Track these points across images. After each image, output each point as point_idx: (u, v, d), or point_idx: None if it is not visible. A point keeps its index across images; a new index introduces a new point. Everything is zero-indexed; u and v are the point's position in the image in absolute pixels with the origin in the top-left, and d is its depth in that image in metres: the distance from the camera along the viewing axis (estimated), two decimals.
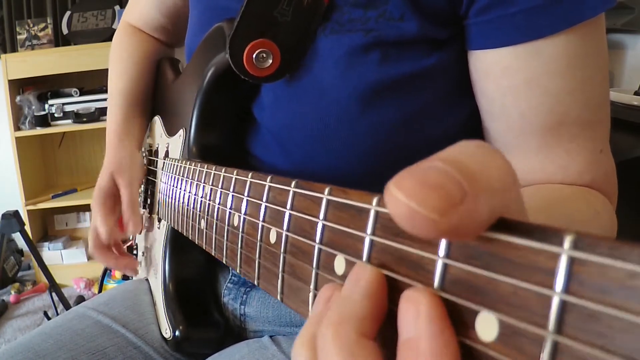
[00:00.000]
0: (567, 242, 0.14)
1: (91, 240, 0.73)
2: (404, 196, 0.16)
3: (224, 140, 0.60)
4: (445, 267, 0.18)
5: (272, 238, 0.32)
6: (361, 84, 0.47)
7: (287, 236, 0.31)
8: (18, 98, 2.26)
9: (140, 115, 0.79)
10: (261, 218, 0.34)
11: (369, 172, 0.52)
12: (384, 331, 0.20)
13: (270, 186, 0.34)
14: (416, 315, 0.18)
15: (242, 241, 0.38)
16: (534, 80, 0.45)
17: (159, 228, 0.71)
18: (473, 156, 0.17)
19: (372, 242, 0.23)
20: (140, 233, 0.79)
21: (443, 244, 0.19)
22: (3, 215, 1.88)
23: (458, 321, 0.18)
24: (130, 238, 0.85)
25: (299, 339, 0.22)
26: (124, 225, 0.72)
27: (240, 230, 0.38)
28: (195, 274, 0.67)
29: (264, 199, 0.34)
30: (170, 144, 0.68)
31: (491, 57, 0.46)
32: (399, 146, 0.51)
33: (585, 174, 0.47)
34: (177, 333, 0.62)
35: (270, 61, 0.50)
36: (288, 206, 0.31)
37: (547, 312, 0.15)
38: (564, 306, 0.14)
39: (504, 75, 0.46)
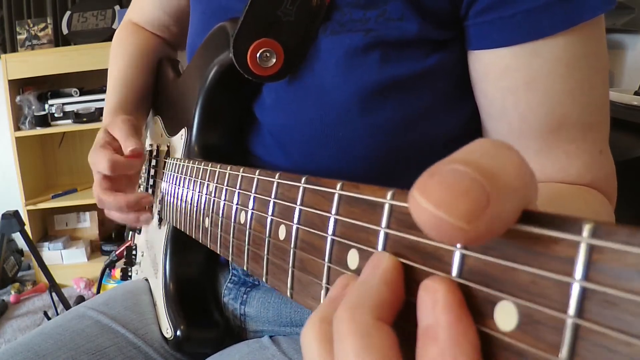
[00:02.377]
0: (586, 230, 0.14)
1: (96, 183, 0.67)
2: (430, 204, 0.16)
3: (226, 140, 0.60)
4: (463, 258, 0.19)
5: (282, 234, 0.33)
6: (361, 84, 0.48)
7: (297, 231, 0.31)
8: (18, 98, 2.26)
9: (139, 104, 0.78)
10: (270, 214, 0.34)
11: (370, 172, 0.52)
12: (401, 323, 0.20)
13: (278, 182, 0.34)
14: (434, 303, 0.18)
15: (249, 238, 0.38)
16: (534, 81, 0.45)
17: (159, 228, 0.71)
18: (490, 155, 0.17)
19: (386, 235, 0.23)
20: (142, 157, 0.70)
21: None
22: (3, 215, 1.88)
23: (477, 311, 0.18)
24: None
25: (310, 320, 0.22)
26: (124, 152, 0.66)
27: (248, 227, 0.38)
28: (196, 274, 0.67)
29: (273, 195, 0.34)
30: (172, 144, 0.68)
31: (491, 58, 0.46)
32: (399, 147, 0.51)
33: (585, 175, 0.47)
34: (178, 333, 0.62)
35: (274, 60, 0.50)
36: (298, 202, 0.31)
37: (566, 300, 0.15)
38: (583, 293, 0.14)
39: (503, 76, 0.46)
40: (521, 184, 0.17)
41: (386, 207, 0.23)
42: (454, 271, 0.19)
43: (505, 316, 0.17)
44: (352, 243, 0.25)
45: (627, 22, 1.50)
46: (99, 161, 0.64)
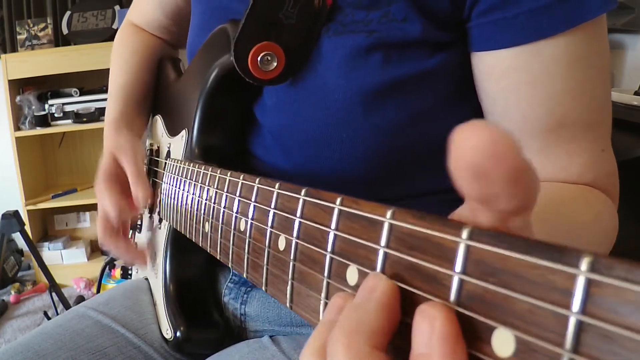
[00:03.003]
0: (585, 263, 0.15)
1: (100, 226, 0.68)
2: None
3: (226, 142, 0.60)
4: (461, 282, 0.19)
5: (281, 245, 0.32)
6: (364, 85, 0.47)
7: (296, 244, 0.31)
8: (18, 98, 2.26)
9: (140, 111, 0.78)
10: (269, 224, 0.34)
11: (371, 173, 0.52)
12: (395, 341, 0.20)
13: (279, 193, 0.34)
14: (430, 332, 0.18)
15: (249, 246, 0.38)
16: (535, 81, 0.45)
17: (159, 228, 0.71)
18: None
19: (385, 254, 0.23)
20: (150, 202, 0.73)
21: (459, 259, 0.19)
22: (3, 215, 1.88)
23: (474, 336, 0.18)
24: (141, 213, 0.81)
25: (307, 347, 0.22)
26: (133, 198, 0.67)
27: (247, 235, 0.38)
28: (196, 274, 0.67)
29: (272, 205, 0.34)
30: (172, 145, 0.68)
31: (493, 58, 0.46)
32: (400, 147, 0.51)
33: (587, 174, 0.47)
34: (178, 333, 0.62)
35: (275, 64, 0.50)
36: (298, 214, 0.31)
37: (563, 331, 0.15)
38: (580, 326, 0.14)
39: (505, 76, 0.46)
40: None
41: (386, 226, 0.23)
42: (453, 294, 0.19)
43: (503, 343, 0.17)
44: (351, 260, 0.25)
45: (627, 22, 1.50)
46: (106, 204, 0.67)
